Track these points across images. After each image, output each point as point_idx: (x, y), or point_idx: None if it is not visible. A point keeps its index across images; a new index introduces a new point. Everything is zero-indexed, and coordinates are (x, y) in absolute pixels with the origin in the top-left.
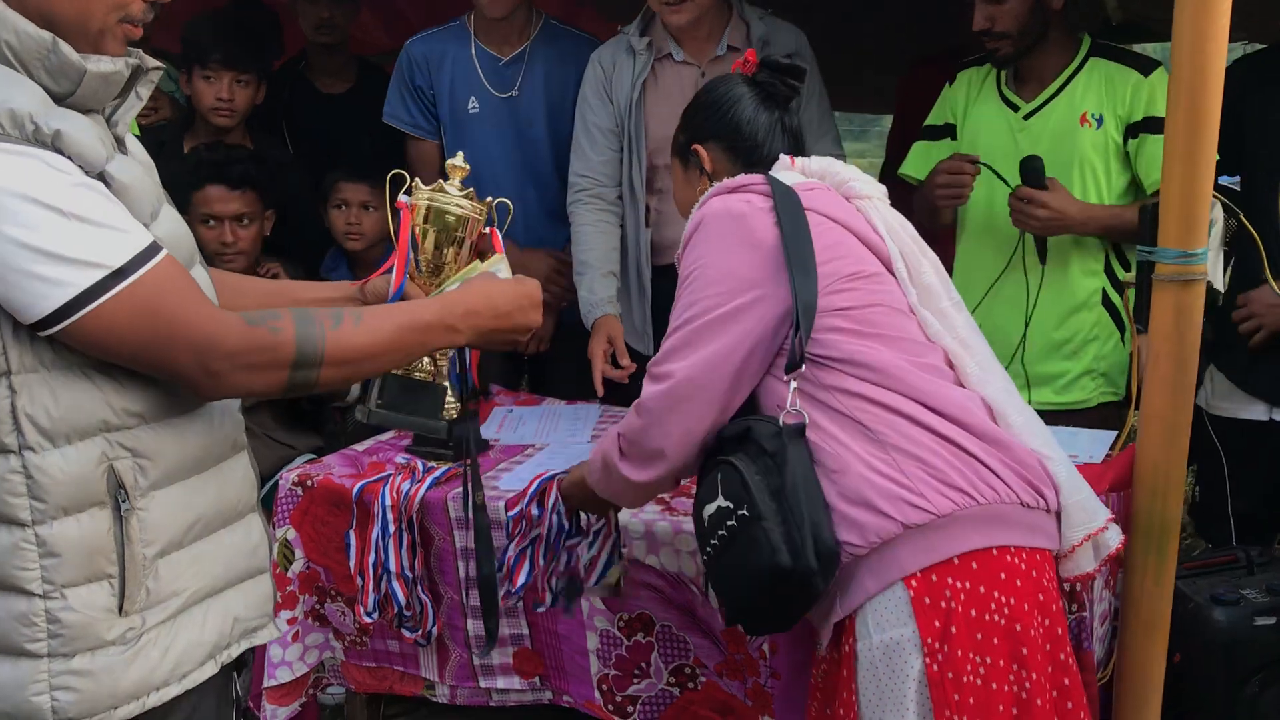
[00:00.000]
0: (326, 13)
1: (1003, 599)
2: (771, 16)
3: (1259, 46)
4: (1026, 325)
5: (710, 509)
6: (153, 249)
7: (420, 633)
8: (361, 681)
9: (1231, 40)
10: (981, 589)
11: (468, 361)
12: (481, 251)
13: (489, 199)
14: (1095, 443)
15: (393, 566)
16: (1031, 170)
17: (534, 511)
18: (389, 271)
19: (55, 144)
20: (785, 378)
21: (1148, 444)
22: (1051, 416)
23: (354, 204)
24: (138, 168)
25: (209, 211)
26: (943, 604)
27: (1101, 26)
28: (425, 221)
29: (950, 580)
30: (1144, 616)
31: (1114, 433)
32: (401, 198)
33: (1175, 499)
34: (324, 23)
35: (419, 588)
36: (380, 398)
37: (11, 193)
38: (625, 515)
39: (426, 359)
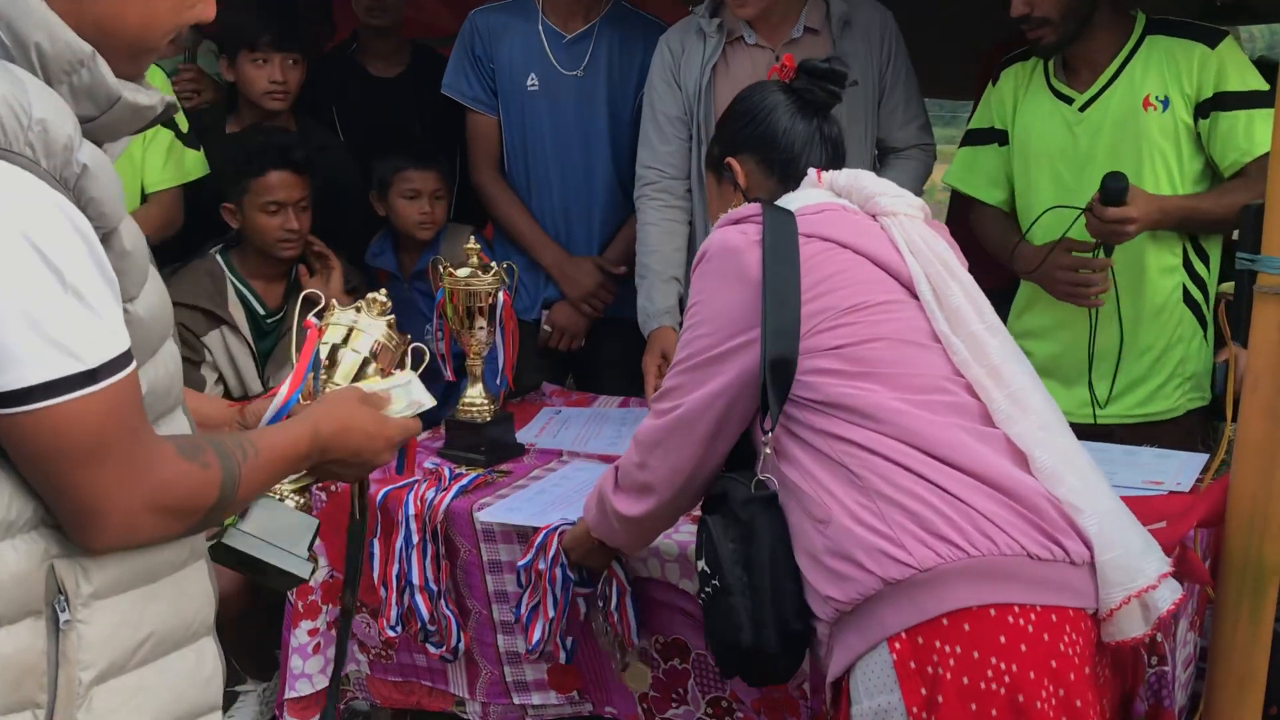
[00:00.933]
0: None
1: (1002, 665)
2: None
3: None
4: (1092, 334)
5: (699, 564)
6: (127, 357)
7: (445, 648)
8: (387, 696)
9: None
10: (975, 653)
11: (499, 363)
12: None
13: (407, 334)
14: (1186, 468)
15: (415, 579)
16: (1114, 190)
17: (540, 566)
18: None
19: (77, 186)
20: (763, 436)
21: (1243, 476)
22: (1136, 431)
23: (425, 193)
24: (135, 224)
25: (272, 199)
26: (929, 669)
27: (1202, 7)
28: (344, 343)
29: (937, 643)
30: (1236, 669)
31: (1205, 456)
32: (310, 318)
33: (1274, 537)
34: (376, 4)
35: (443, 601)
36: (245, 521)
37: (20, 235)
38: (660, 538)
39: (287, 484)
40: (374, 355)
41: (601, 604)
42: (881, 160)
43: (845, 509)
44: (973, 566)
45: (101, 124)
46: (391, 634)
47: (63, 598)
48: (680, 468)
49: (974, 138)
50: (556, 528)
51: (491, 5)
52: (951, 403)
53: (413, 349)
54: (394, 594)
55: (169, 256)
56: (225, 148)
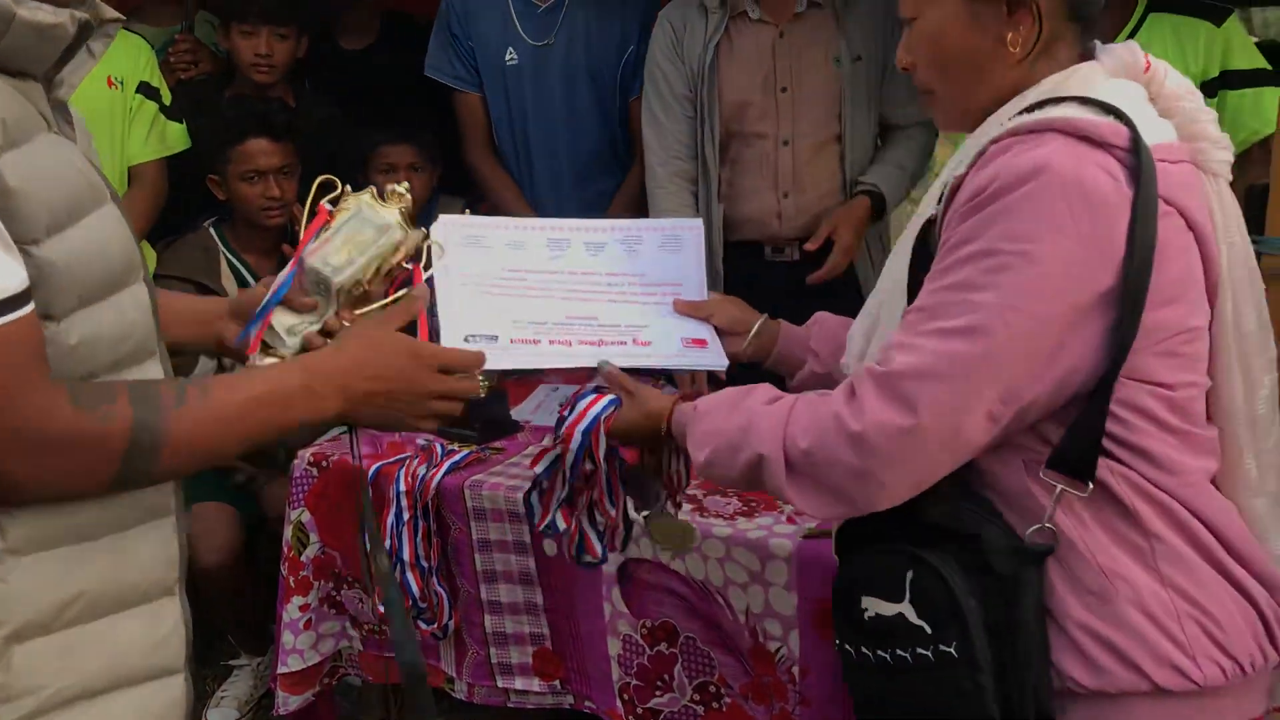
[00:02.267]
0: None
1: None
2: None
3: None
4: None
5: (884, 610)
6: (18, 301)
7: (436, 625)
8: (380, 672)
9: None
10: None
11: None
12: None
13: (423, 229)
14: None
15: (406, 556)
16: None
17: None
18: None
19: None
20: (1045, 473)
21: None
22: None
23: (401, 167)
24: (62, 156)
25: (252, 167)
26: None
27: None
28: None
29: None
30: None
31: None
32: (324, 202)
33: None
34: None
35: (434, 579)
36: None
37: None
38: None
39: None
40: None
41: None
42: (884, 137)
43: (1134, 593)
44: (1244, 684)
45: (10, 44)
46: (383, 610)
47: None
48: (923, 482)
49: None
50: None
51: None
52: (1212, 465)
53: (428, 245)
54: None
55: (166, 230)
56: (215, 118)
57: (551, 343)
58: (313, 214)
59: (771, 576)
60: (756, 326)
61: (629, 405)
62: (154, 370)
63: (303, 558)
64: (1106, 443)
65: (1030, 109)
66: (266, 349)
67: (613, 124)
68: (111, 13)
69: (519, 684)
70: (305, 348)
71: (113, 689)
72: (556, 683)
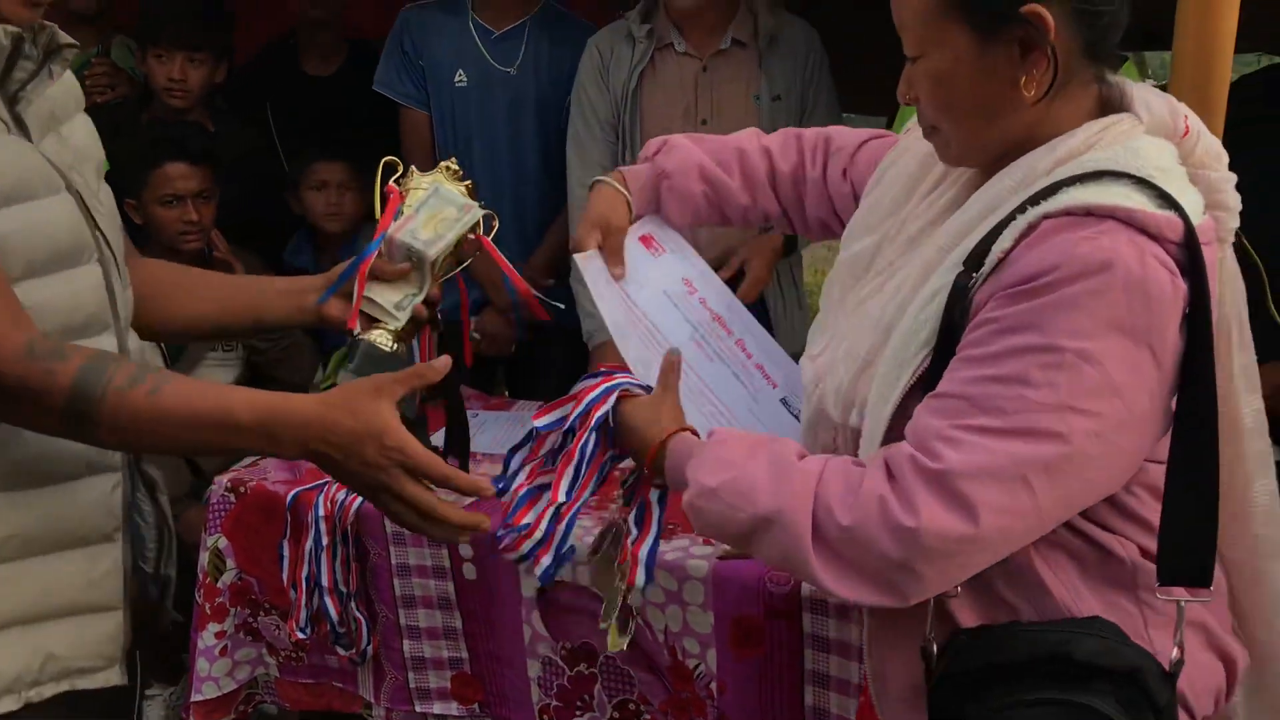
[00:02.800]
0: None
1: None
2: (781, 10)
3: (1276, 59)
4: None
5: None
6: None
7: (355, 650)
8: (298, 699)
9: (1243, 51)
10: None
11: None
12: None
13: (481, 202)
14: None
15: (325, 581)
16: None
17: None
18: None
19: None
20: (1163, 592)
21: None
22: None
23: (333, 184)
24: (12, 150)
25: (169, 191)
26: None
27: None
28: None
29: None
30: None
31: None
32: (392, 183)
33: None
34: None
35: (353, 604)
36: (352, 363)
37: None
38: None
39: (392, 340)
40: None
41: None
42: None
43: None
44: None
45: None
46: (301, 635)
47: None
48: (961, 578)
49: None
50: (617, 387)
51: (423, 3)
52: None
53: (485, 217)
54: (304, 596)
55: None
56: (133, 141)
57: None
58: (384, 196)
59: (689, 596)
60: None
61: (649, 400)
62: (108, 343)
63: (219, 584)
64: (1120, 523)
65: (1082, 177)
66: (372, 322)
67: (555, 154)
68: (66, 38)
69: (438, 708)
70: (415, 319)
71: (47, 618)
72: (476, 706)
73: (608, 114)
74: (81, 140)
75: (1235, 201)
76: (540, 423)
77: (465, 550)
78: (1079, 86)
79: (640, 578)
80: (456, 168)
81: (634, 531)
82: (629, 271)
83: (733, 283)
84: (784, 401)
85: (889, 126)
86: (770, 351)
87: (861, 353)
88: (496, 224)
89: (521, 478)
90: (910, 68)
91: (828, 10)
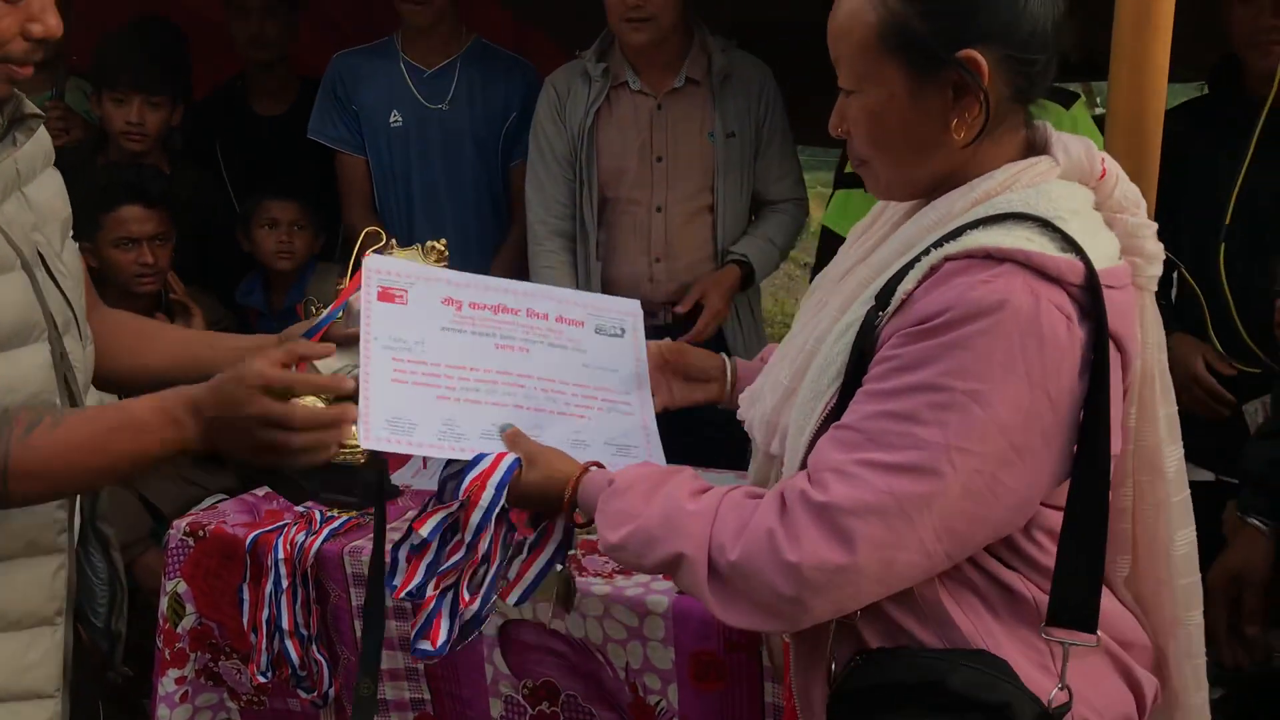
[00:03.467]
0: (258, 26)
1: None
2: (735, 48)
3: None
4: None
5: None
6: None
7: (317, 693)
8: None
9: (1181, 81)
10: None
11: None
12: None
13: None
14: None
15: (285, 624)
16: None
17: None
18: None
19: None
20: (1048, 631)
21: None
22: None
23: (284, 223)
24: None
25: (125, 234)
26: None
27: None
28: None
29: None
30: None
31: None
32: (370, 252)
33: None
34: (256, 38)
35: (314, 646)
36: (309, 484)
37: None
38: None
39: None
40: None
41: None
42: (756, 212)
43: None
44: None
45: None
46: (263, 679)
47: None
48: (847, 610)
49: (846, 181)
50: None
51: (353, 49)
52: None
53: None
54: (264, 639)
55: None
56: (89, 184)
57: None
58: (358, 264)
59: (649, 632)
60: (730, 367)
61: (530, 468)
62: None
63: (179, 629)
64: (1020, 564)
65: (988, 220)
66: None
67: (495, 187)
68: (33, 108)
69: None
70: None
71: None
72: None
73: (565, 151)
74: (47, 198)
75: (1156, 249)
76: (425, 529)
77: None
78: (1007, 130)
79: (514, 596)
80: (443, 248)
81: (525, 554)
82: (393, 338)
83: (692, 316)
84: (598, 330)
85: (842, 159)
86: (555, 295)
87: (784, 380)
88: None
89: (430, 590)
90: (844, 100)
91: (782, 44)
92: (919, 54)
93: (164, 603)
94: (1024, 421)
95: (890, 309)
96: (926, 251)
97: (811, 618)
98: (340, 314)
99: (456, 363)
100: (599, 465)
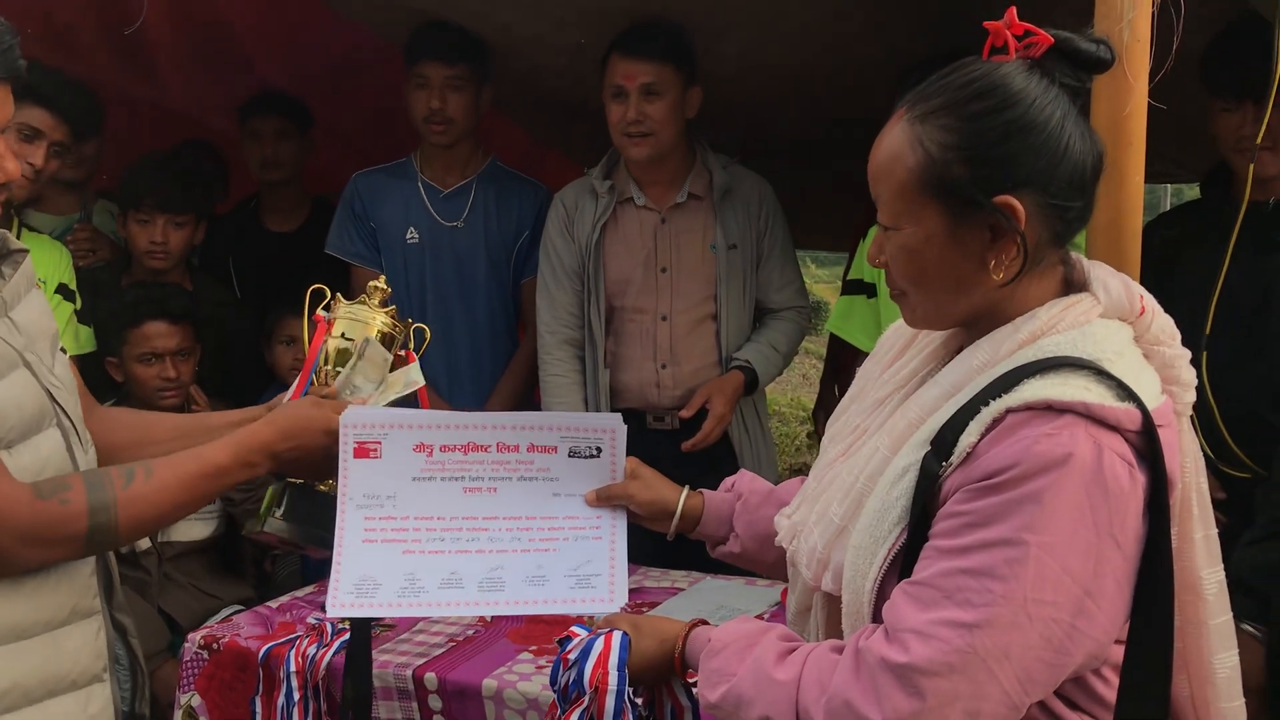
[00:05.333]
0: (270, 149)
1: None
2: (736, 165)
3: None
4: None
5: None
6: None
7: None
8: None
9: (1164, 181)
10: None
11: None
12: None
13: (409, 319)
14: None
15: None
16: None
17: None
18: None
19: None
20: None
21: None
22: None
23: (301, 339)
24: None
25: (149, 349)
26: None
27: None
28: (342, 337)
29: None
30: None
31: None
32: (320, 311)
33: None
34: (268, 160)
35: None
36: (280, 508)
37: None
38: (534, 685)
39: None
40: (385, 340)
41: None
42: (759, 320)
43: None
44: None
45: None
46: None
47: None
48: None
49: (849, 288)
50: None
51: (372, 168)
52: None
53: (414, 330)
54: None
55: None
56: (114, 302)
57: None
58: (313, 325)
59: None
60: (680, 506)
61: (640, 638)
62: (44, 442)
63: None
64: (1087, 701)
65: (1043, 367)
66: None
67: (506, 301)
68: (17, 244)
69: None
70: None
71: None
72: None
73: (573, 263)
74: (34, 317)
75: (1190, 376)
76: None
77: (434, 702)
78: (1046, 267)
79: None
80: (385, 286)
81: None
82: (366, 496)
83: (698, 420)
84: (571, 453)
85: (849, 262)
86: (529, 423)
87: (835, 518)
88: (429, 337)
89: None
90: (882, 235)
91: (782, 158)
92: (957, 198)
93: (178, 715)
94: (1095, 569)
95: (954, 462)
96: (985, 401)
97: None
98: (313, 378)
99: (424, 513)
100: (704, 622)
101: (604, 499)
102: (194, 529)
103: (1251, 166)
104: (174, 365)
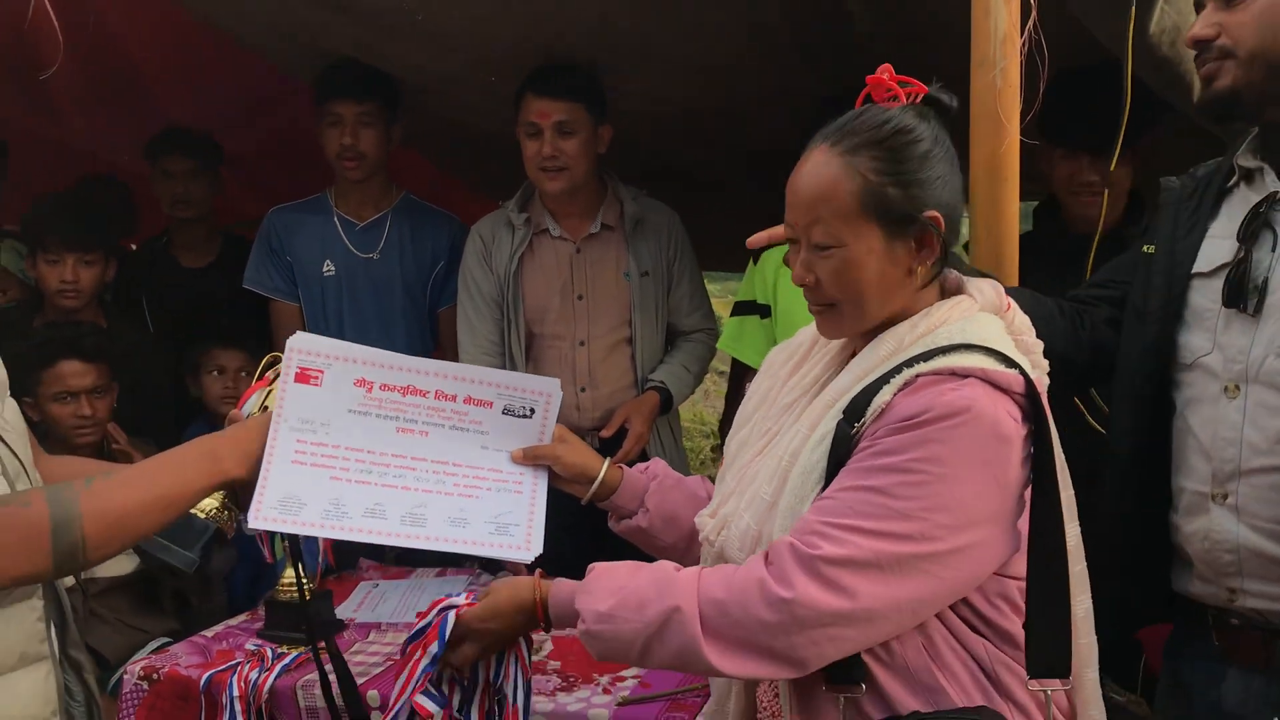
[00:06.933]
0: (181, 188)
1: None
2: (645, 196)
3: None
4: None
5: None
6: None
7: None
8: None
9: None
10: None
11: (319, 542)
12: None
13: None
14: None
15: None
16: None
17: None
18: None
19: None
20: (1033, 684)
21: None
22: None
23: (230, 369)
24: None
25: (63, 388)
26: None
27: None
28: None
29: None
30: None
31: None
32: (268, 374)
33: None
34: (179, 198)
35: None
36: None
37: None
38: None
39: (212, 502)
40: None
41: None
42: (670, 342)
43: None
44: None
45: None
46: None
47: None
48: (844, 653)
49: (741, 309)
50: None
51: (288, 204)
52: None
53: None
54: None
55: None
56: (26, 343)
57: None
58: (264, 371)
59: None
60: (601, 475)
61: (490, 593)
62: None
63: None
64: (985, 629)
65: (944, 350)
66: None
67: (423, 329)
68: None
69: None
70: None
71: None
72: None
73: (493, 292)
74: None
75: (1045, 363)
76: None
77: None
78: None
79: None
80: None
81: (509, 697)
82: (301, 419)
83: (618, 439)
84: (505, 410)
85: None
86: (471, 376)
87: (766, 496)
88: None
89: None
90: (810, 255)
91: (686, 188)
92: (891, 216)
93: None
94: (981, 502)
95: (868, 417)
96: (897, 371)
97: (799, 659)
98: (256, 410)
99: (356, 445)
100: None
101: (531, 457)
102: (117, 564)
103: (1105, 203)
104: (90, 403)
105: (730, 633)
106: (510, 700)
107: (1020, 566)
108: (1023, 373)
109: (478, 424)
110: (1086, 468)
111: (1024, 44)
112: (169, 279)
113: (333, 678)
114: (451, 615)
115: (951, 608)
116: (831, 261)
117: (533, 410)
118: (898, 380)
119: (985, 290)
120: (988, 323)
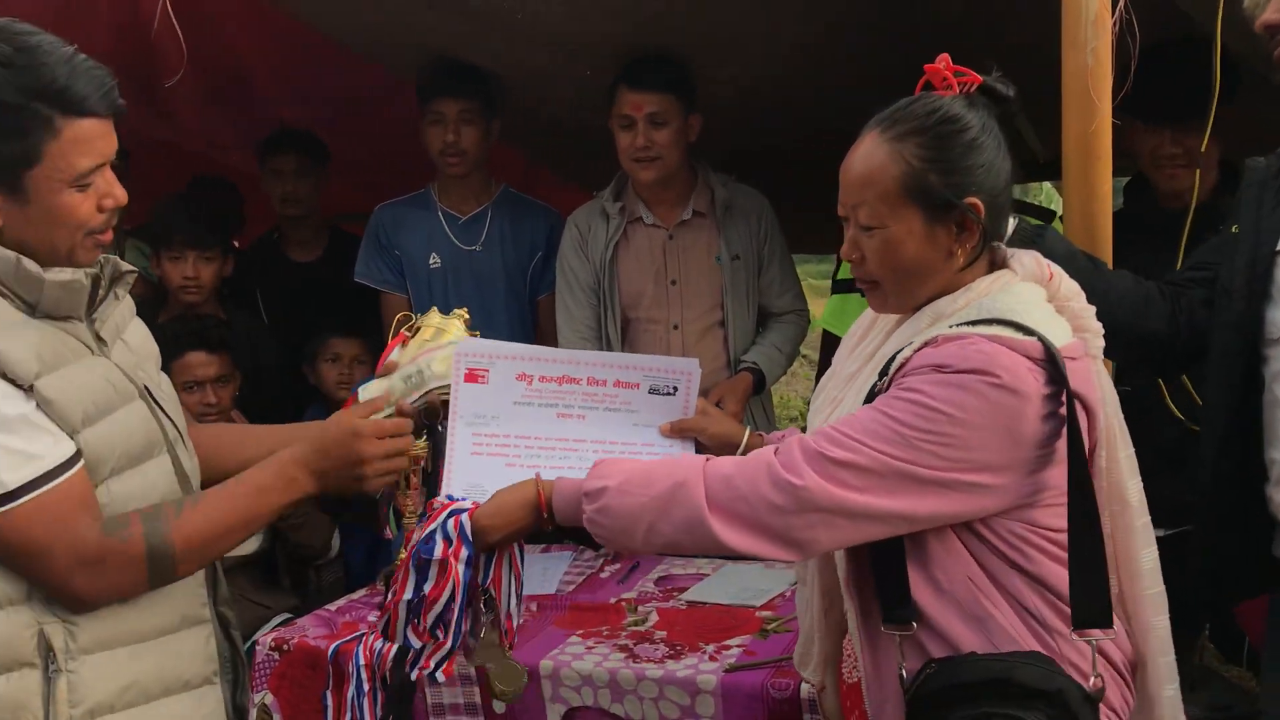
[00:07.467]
0: (290, 186)
1: None
2: (735, 182)
3: None
4: None
5: None
6: (44, 479)
7: None
8: None
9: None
10: None
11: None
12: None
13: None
14: None
15: None
16: None
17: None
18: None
19: None
20: (1078, 634)
21: None
22: None
23: (346, 357)
24: (97, 373)
25: (190, 378)
26: None
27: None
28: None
29: None
30: None
31: None
32: (404, 330)
33: None
34: (288, 196)
35: None
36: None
37: None
38: (592, 666)
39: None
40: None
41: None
42: (762, 323)
43: None
44: None
45: (48, 302)
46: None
47: (52, 654)
48: (841, 544)
49: (840, 286)
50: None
51: (394, 200)
52: None
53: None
54: None
55: None
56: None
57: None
58: (396, 331)
59: (701, 709)
60: (744, 442)
61: (496, 495)
62: (154, 470)
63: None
64: (1017, 572)
65: (975, 323)
66: None
67: (524, 317)
68: (127, 266)
69: None
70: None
71: None
72: None
73: (589, 280)
74: (141, 340)
75: (1098, 326)
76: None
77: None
78: (984, 255)
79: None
80: (466, 315)
81: (501, 602)
82: (475, 415)
83: None
84: (651, 390)
85: (837, 265)
86: (617, 362)
87: (823, 409)
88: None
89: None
90: (856, 233)
91: (775, 171)
92: (933, 201)
93: (253, 714)
94: (983, 446)
95: (892, 369)
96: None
97: (794, 540)
98: (395, 358)
99: (524, 433)
100: None
101: (678, 430)
102: (242, 545)
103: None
104: (214, 392)
105: (734, 506)
106: (503, 605)
107: (1046, 518)
108: (1041, 340)
109: (628, 404)
110: (1173, 449)
111: (1115, 23)
112: (280, 273)
113: None
114: (466, 517)
115: (985, 546)
116: (874, 241)
117: (675, 388)
118: (919, 340)
119: (1026, 262)
120: (1024, 291)
